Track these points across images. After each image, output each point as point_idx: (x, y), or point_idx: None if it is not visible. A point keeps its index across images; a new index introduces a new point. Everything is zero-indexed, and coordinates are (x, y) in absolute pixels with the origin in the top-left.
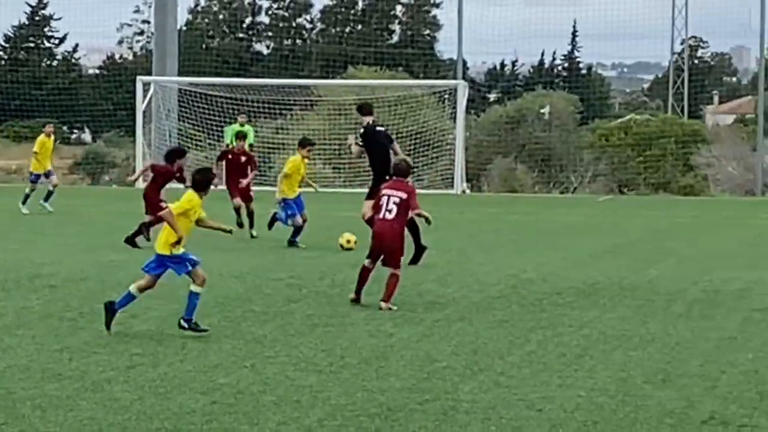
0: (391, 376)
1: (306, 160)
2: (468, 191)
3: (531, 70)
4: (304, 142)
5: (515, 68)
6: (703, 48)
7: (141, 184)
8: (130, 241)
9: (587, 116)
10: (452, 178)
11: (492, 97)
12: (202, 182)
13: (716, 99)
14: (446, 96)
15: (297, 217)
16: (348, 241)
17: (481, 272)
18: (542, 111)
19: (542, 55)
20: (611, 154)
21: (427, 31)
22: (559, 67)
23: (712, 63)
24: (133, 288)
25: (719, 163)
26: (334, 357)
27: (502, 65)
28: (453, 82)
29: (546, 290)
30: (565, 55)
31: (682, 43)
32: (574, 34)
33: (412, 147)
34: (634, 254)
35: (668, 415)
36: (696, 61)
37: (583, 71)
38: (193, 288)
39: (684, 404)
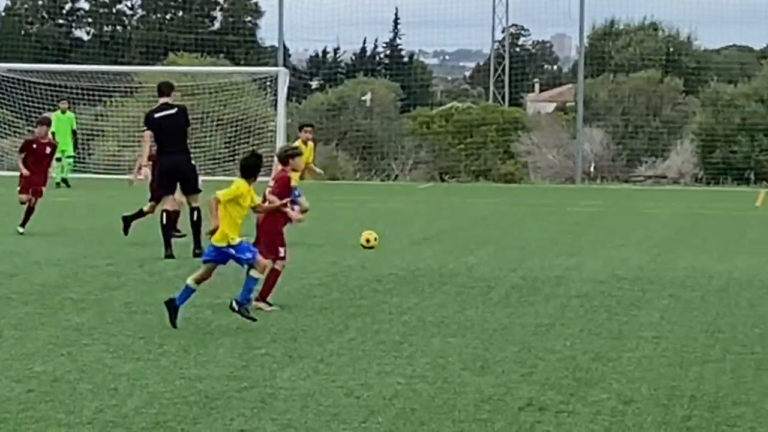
0: (210, 364)
1: (309, 143)
2: None
3: (353, 58)
4: (302, 124)
5: (337, 55)
6: (524, 36)
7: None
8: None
9: (409, 104)
10: (273, 166)
11: (314, 84)
12: (249, 168)
13: (537, 87)
14: (268, 83)
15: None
16: (368, 240)
17: (301, 259)
18: (364, 98)
19: (364, 42)
20: (432, 142)
21: (249, 18)
22: (381, 55)
23: (533, 51)
24: (190, 281)
25: (539, 151)
26: (152, 344)
27: (324, 52)
28: (274, 69)
29: (366, 277)
30: (387, 43)
31: (503, 31)
32: (396, 22)
33: (233, 134)
34: (454, 241)
35: (486, 401)
36: (517, 49)
37: (405, 59)
38: (254, 273)
39: (502, 390)
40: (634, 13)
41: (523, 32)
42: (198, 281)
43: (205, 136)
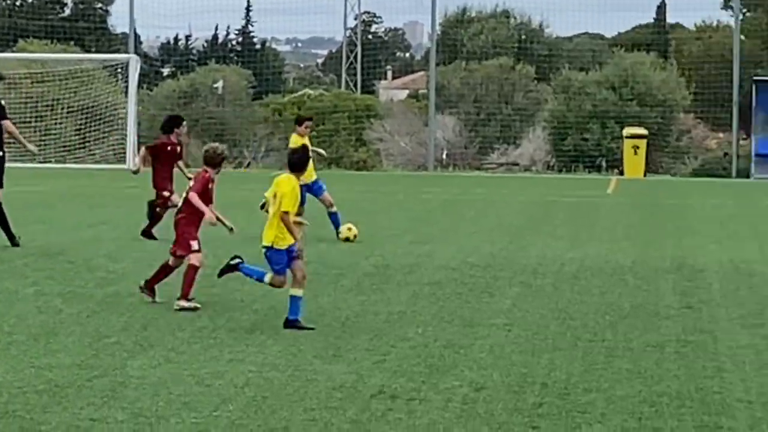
0: (60, 353)
1: (305, 138)
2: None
3: (205, 45)
4: (300, 118)
5: (189, 42)
6: (376, 23)
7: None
8: (148, 233)
9: (261, 91)
10: (124, 153)
11: (165, 71)
12: (299, 163)
13: (389, 74)
14: (119, 70)
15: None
16: (349, 229)
17: (152, 247)
18: (216, 86)
19: (216, 29)
20: (285, 129)
21: (100, 5)
22: (233, 42)
23: (385, 38)
24: (292, 291)
25: (392, 138)
26: (1, 333)
27: (176, 39)
28: (125, 56)
29: (217, 265)
30: (239, 30)
31: (355, 19)
32: (248, 9)
33: (84, 121)
34: (306, 228)
35: (338, 389)
36: (370, 37)
37: (257, 46)
38: (293, 292)
39: (353, 378)
40: (486, 0)
41: (375, 19)
42: (299, 286)
43: (56, 124)
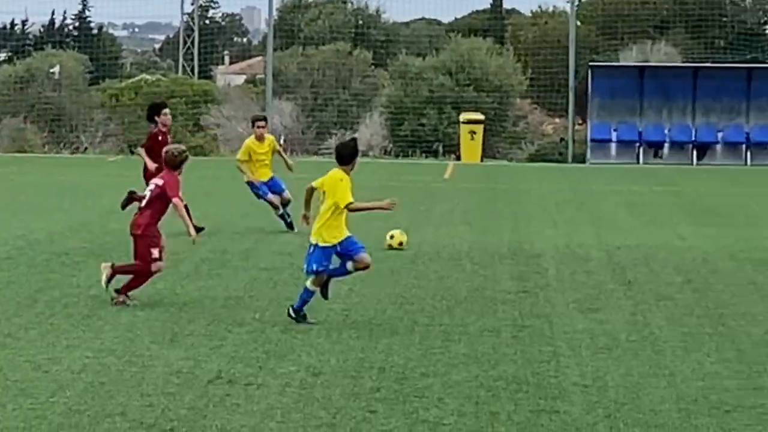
0: None
1: (260, 140)
2: None
3: (41, 30)
4: (252, 118)
5: (25, 27)
6: (213, 8)
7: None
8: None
9: (98, 76)
10: None
11: (1, 56)
12: (346, 155)
13: (227, 59)
14: None
15: (268, 195)
16: (399, 242)
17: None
18: (52, 71)
19: (53, 14)
20: (122, 114)
21: None
22: (70, 27)
23: (222, 23)
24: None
25: (229, 123)
26: None
27: (12, 24)
28: None
29: (55, 251)
30: (75, 15)
31: (192, 4)
32: None
33: None
34: None
35: (175, 374)
36: (207, 22)
37: (94, 31)
38: (309, 285)
39: (191, 364)
40: None
41: (212, 4)
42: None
43: None
